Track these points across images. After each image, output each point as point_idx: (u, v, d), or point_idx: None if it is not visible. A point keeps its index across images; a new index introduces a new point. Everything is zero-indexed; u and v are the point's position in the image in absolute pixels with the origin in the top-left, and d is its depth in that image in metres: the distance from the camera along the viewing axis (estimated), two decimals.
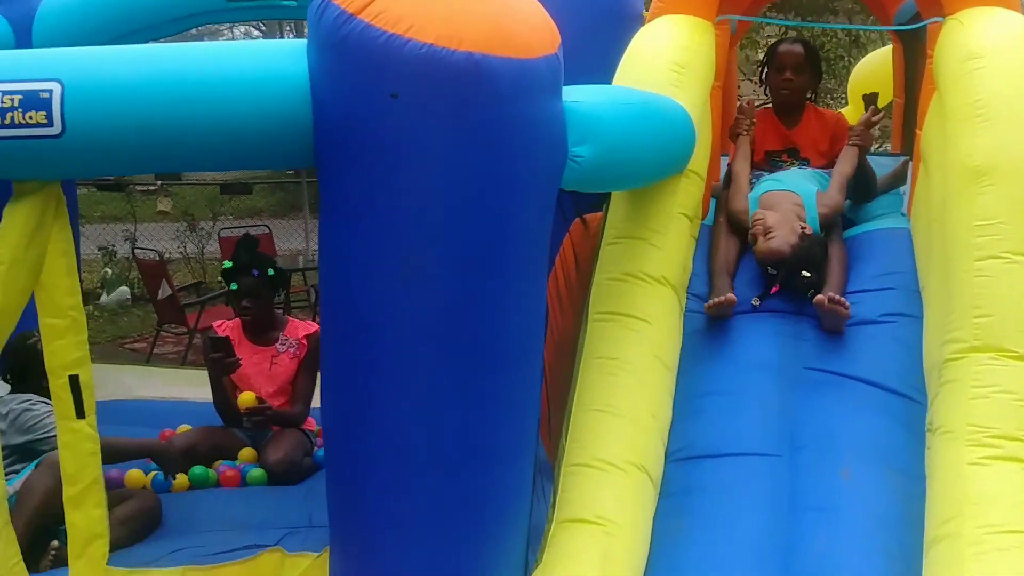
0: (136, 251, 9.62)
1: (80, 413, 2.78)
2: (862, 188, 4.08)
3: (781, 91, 4.27)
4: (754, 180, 3.98)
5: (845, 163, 3.94)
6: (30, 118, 2.36)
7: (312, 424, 4.39)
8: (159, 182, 13.69)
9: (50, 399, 2.88)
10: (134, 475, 3.89)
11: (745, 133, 4.09)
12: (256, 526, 3.45)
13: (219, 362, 4.27)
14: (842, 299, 3.41)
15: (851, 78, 8.47)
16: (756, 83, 4.48)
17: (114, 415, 4.31)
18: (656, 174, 3.43)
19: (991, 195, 3.10)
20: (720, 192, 4.03)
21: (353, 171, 2.47)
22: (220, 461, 4.16)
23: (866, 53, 10.11)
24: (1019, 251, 3.02)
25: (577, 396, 3.20)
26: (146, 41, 4.74)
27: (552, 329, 3.70)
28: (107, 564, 2.99)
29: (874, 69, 7.43)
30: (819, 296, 3.41)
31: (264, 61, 2.52)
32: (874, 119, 4.09)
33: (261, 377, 4.42)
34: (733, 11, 4.10)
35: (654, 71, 3.61)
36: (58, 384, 2.76)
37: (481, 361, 2.59)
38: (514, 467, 2.77)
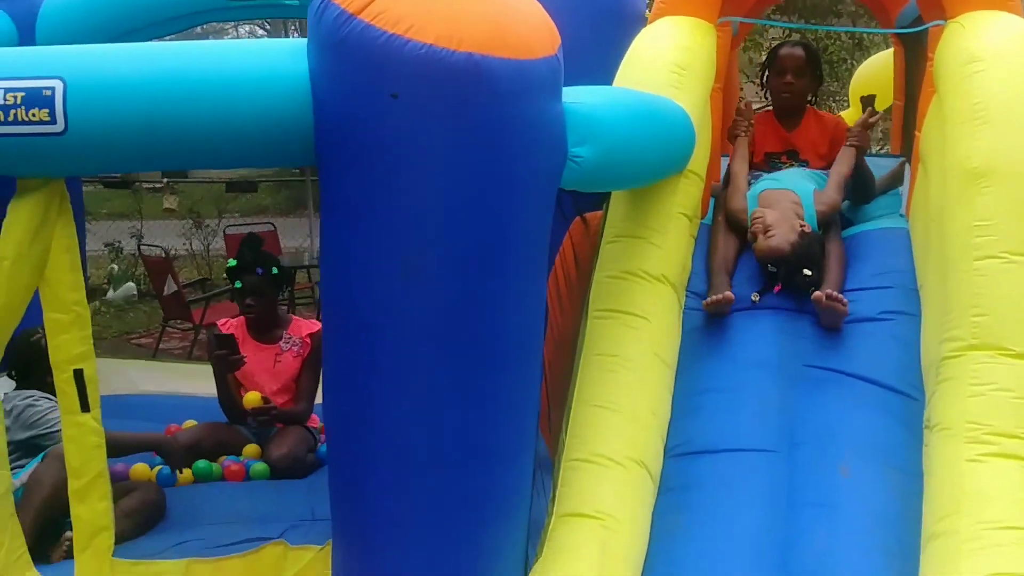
0: (142, 248, 9.68)
1: (85, 407, 2.79)
2: (860, 189, 4.10)
3: (782, 94, 4.28)
4: (752, 180, 4.00)
5: (842, 163, 3.97)
6: (33, 115, 2.38)
7: (316, 421, 4.41)
8: (165, 180, 13.74)
9: (54, 395, 2.90)
10: (139, 469, 3.92)
11: (743, 134, 4.12)
12: (259, 519, 3.48)
13: (224, 359, 4.29)
14: (840, 296, 3.43)
15: (853, 81, 8.46)
16: (759, 85, 4.50)
17: (120, 410, 4.35)
18: (656, 174, 3.45)
19: (990, 196, 3.11)
20: (719, 192, 4.05)
21: (353, 171, 2.48)
22: (224, 456, 4.19)
23: (869, 56, 10.10)
24: (1017, 251, 3.04)
25: (577, 392, 3.22)
26: (149, 39, 4.75)
27: (552, 326, 3.73)
28: (112, 556, 3.00)
29: (876, 72, 7.42)
30: (817, 292, 3.42)
31: (265, 60, 2.53)
32: (871, 120, 4.13)
33: (265, 375, 4.45)
34: (735, 13, 4.12)
35: (655, 72, 3.63)
36: (63, 378, 2.77)
37: (481, 360, 2.60)
38: (514, 465, 2.78)
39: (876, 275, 3.64)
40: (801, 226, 3.62)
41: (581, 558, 2.86)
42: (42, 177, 2.63)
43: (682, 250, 3.63)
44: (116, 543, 3.00)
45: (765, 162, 4.24)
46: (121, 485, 3.48)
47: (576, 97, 2.79)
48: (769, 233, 3.59)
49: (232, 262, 4.53)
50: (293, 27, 15.89)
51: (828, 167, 4.08)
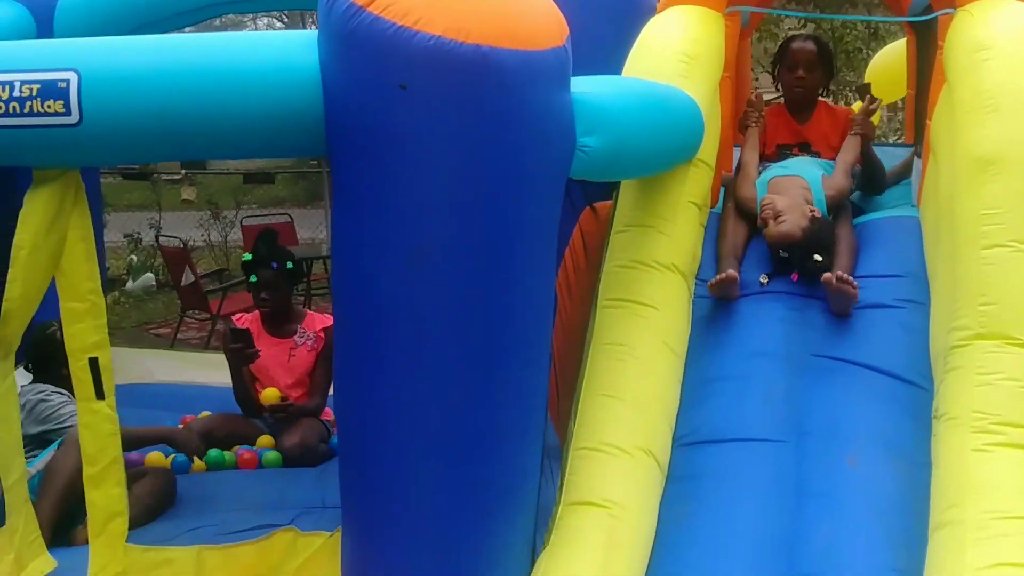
0: (161, 239, 9.73)
1: (100, 394, 2.82)
2: (871, 178, 4.11)
3: (794, 89, 4.29)
4: (762, 169, 4.01)
5: (848, 152, 3.98)
6: (48, 107, 2.42)
7: (329, 414, 4.44)
8: (184, 171, 13.83)
9: (69, 388, 2.92)
10: (155, 456, 3.94)
11: (754, 125, 4.13)
12: (270, 506, 3.51)
13: (239, 352, 4.34)
14: (850, 279, 3.41)
15: (868, 70, 8.43)
16: (773, 76, 4.50)
17: (136, 399, 4.41)
18: (664, 163, 3.46)
19: (998, 184, 3.11)
20: (729, 181, 4.07)
21: (362, 161, 2.50)
22: (238, 446, 4.22)
23: (885, 46, 10.06)
24: None
25: (586, 381, 3.23)
26: (167, 31, 4.79)
27: (562, 316, 3.74)
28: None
29: (891, 62, 7.39)
30: (827, 275, 3.41)
31: (276, 52, 2.56)
32: (872, 107, 4.15)
33: (279, 369, 4.49)
34: (744, 2, 4.12)
35: (663, 62, 3.63)
36: (78, 366, 2.80)
37: (490, 349, 2.63)
38: (522, 453, 2.81)
39: (886, 263, 3.62)
40: (811, 211, 3.62)
41: (588, 546, 2.88)
42: (57, 168, 2.66)
43: (692, 239, 3.63)
44: (128, 528, 3.03)
45: (777, 154, 4.24)
46: (132, 471, 3.52)
47: (584, 87, 2.80)
48: (780, 219, 3.60)
49: (247, 256, 4.57)
50: (311, 19, 15.90)
51: None
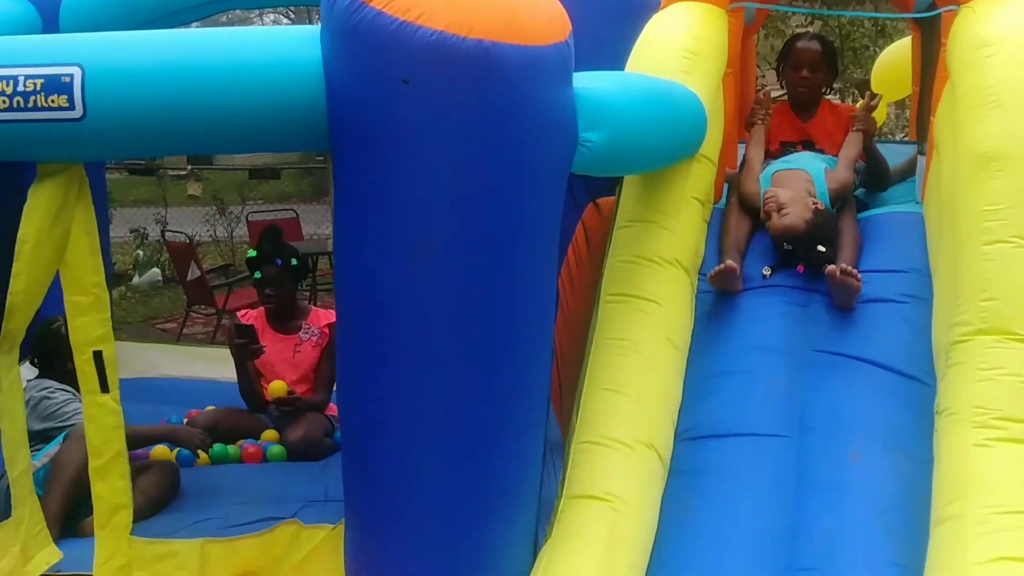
0: (166, 234, 9.75)
1: (104, 388, 2.82)
2: (874, 175, 4.12)
3: (798, 88, 4.30)
4: (765, 165, 4.01)
5: (850, 147, 3.99)
6: (52, 102, 2.42)
7: (334, 410, 4.45)
8: (190, 167, 13.84)
9: (74, 383, 2.92)
10: (160, 450, 3.97)
11: (760, 122, 4.14)
12: (274, 499, 3.53)
13: (244, 348, 4.35)
14: (853, 271, 3.42)
15: (875, 68, 8.42)
16: (777, 73, 4.51)
17: (142, 393, 4.42)
18: (667, 159, 3.46)
19: (1000, 181, 3.11)
20: (733, 177, 4.07)
21: (365, 156, 2.51)
22: (243, 440, 4.24)
23: (892, 43, 10.04)
24: None
25: (588, 375, 3.24)
26: (173, 27, 4.80)
27: (564, 311, 3.75)
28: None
29: (898, 59, 7.37)
30: (831, 267, 3.42)
31: (279, 47, 2.57)
32: (873, 103, 4.15)
33: (284, 365, 4.51)
34: None
35: (666, 58, 3.64)
36: (83, 359, 2.80)
37: (492, 343, 2.63)
38: (524, 447, 2.82)
39: (890, 258, 3.63)
40: (814, 203, 3.63)
41: (590, 540, 2.88)
42: (61, 162, 2.67)
43: (694, 234, 3.64)
44: (133, 521, 3.04)
45: (781, 151, 4.24)
46: (137, 464, 3.53)
47: (587, 82, 2.80)
48: (783, 211, 3.60)
49: (252, 253, 4.59)
50: (317, 16, 15.88)
51: None
